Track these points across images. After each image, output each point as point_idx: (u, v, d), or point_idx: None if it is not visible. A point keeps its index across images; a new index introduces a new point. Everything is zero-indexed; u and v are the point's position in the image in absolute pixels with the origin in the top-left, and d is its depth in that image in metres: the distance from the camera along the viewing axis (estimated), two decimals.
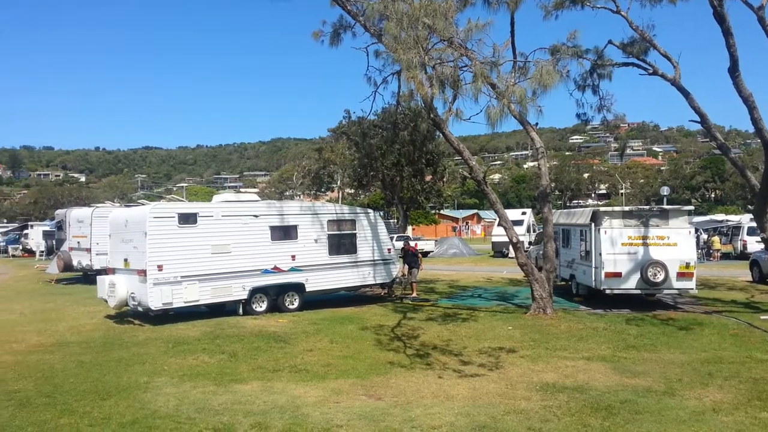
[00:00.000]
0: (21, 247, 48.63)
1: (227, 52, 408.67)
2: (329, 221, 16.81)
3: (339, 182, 63.64)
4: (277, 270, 15.49)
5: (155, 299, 13.43)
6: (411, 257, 18.77)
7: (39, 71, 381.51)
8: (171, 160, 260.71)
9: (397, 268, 18.75)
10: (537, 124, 15.35)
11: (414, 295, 18.15)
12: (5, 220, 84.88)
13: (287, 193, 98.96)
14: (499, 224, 29.99)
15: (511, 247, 18.56)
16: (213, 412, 7.69)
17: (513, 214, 33.25)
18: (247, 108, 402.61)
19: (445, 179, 40.46)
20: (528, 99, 12.07)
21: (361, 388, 8.92)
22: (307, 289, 16.08)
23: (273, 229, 15.56)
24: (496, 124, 11.84)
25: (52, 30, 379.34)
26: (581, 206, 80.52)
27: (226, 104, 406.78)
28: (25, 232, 50.35)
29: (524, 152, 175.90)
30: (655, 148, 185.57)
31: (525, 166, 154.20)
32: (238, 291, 14.78)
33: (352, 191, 55.16)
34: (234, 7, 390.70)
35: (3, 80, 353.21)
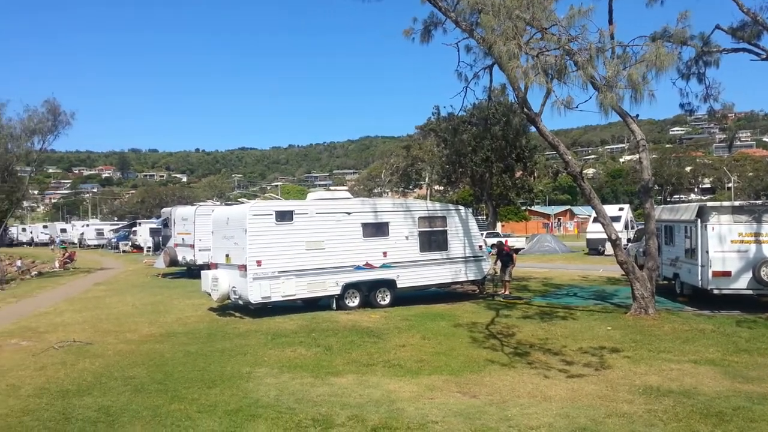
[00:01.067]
0: (130, 244, 51.81)
1: (316, 53, 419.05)
2: (420, 218, 16.84)
3: (427, 179, 63.56)
4: (368, 266, 15.70)
5: (255, 293, 13.99)
6: (505, 256, 18.44)
7: (145, 76, 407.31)
8: (265, 160, 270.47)
9: (489, 265, 18.50)
10: (638, 115, 14.67)
11: (506, 292, 17.85)
12: (116, 218, 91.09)
13: (375, 191, 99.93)
14: (595, 220, 28.97)
15: (608, 244, 17.86)
16: (311, 403, 7.91)
17: (610, 210, 31.80)
18: (336, 108, 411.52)
19: (536, 175, 39.50)
20: (640, 83, 11.48)
21: (455, 385, 8.88)
22: (399, 286, 16.20)
23: (365, 226, 15.78)
24: (609, 113, 11.40)
25: (158, 33, 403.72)
26: (683, 201, 76.20)
27: (316, 105, 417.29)
28: (134, 229, 53.68)
29: (620, 145, 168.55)
30: (766, 138, 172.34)
31: (621, 159, 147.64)
32: (331, 286, 15.11)
33: (441, 188, 54.87)
34: (326, 7, 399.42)
35: (114, 88, 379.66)
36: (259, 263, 14.03)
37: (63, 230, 70.81)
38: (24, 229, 76.71)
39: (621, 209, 37.94)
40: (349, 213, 15.61)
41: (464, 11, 13.08)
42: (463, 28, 13.83)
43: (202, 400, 8.05)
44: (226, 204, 26.83)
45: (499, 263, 18.57)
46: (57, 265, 35.92)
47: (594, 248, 36.14)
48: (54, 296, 20.94)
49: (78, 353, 10.95)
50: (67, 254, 37.27)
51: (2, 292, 24.64)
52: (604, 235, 17.62)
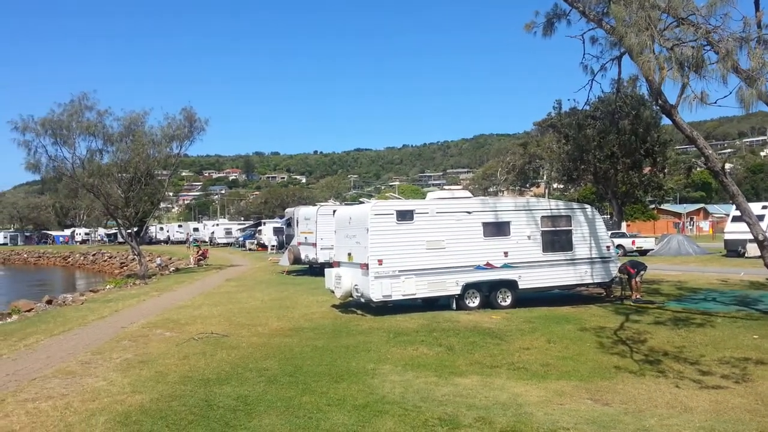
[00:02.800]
0: (256, 242, 54.66)
1: (429, 53, 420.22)
2: (543, 217, 16.33)
3: (545, 177, 61.78)
4: (489, 266, 15.47)
5: (376, 291, 14.23)
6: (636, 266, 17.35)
7: (268, 81, 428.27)
8: (380, 161, 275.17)
9: (617, 267, 17.57)
10: None
11: (637, 296, 16.86)
12: (242, 218, 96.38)
13: (491, 190, 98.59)
14: (735, 219, 26.71)
15: (749, 246, 16.37)
16: (437, 403, 7.90)
17: (753, 208, 29.25)
18: (450, 106, 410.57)
19: (666, 171, 37.09)
20: None
21: (585, 391, 8.52)
22: (520, 287, 15.81)
23: (485, 225, 15.56)
24: (750, 107, 10.45)
25: (281, 39, 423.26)
26: None
27: (430, 104, 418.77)
28: (259, 228, 56.58)
29: (761, 138, 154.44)
30: None
31: (762, 153, 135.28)
32: (451, 286, 15.04)
33: (560, 186, 53.10)
34: (442, 7, 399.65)
35: (239, 94, 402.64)
36: (380, 262, 14.26)
37: (195, 229, 76.09)
38: (161, 228, 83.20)
39: (765, 207, 34.71)
40: (469, 212, 15.47)
41: (591, 1, 12.52)
42: (590, 19, 13.26)
43: (331, 394, 8.29)
44: (346, 204, 27.59)
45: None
46: (192, 261, 38.68)
47: (733, 250, 33.29)
48: (191, 291, 22.53)
49: (216, 344, 11.69)
50: (200, 252, 40.01)
51: (146, 285, 26.90)
52: (744, 236, 16.21)
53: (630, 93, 29.05)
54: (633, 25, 10.46)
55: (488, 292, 15.56)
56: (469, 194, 17.20)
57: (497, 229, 15.71)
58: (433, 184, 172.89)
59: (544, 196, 55.33)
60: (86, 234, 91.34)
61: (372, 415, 7.37)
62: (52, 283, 48.06)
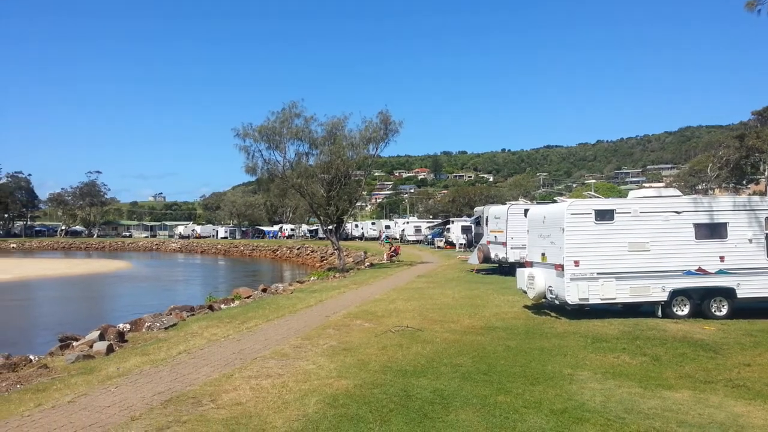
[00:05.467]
0: (444, 240, 55.60)
1: (626, 45, 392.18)
2: None
3: (766, 173, 54.55)
4: (701, 272, 14.07)
5: (572, 294, 13.69)
6: None
7: (449, 79, 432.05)
8: (571, 158, 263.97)
9: None
10: None
11: None
12: (431, 216, 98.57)
13: (699, 187, 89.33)
14: None
15: None
16: (642, 415, 7.40)
17: None
18: (651, 97, 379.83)
19: None
20: None
21: None
22: (739, 295, 14.14)
23: (697, 226, 14.18)
24: None
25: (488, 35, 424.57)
26: None
27: (628, 96, 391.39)
28: (447, 227, 57.45)
29: None
30: None
31: None
32: (656, 292, 13.94)
33: None
34: None
35: (428, 95, 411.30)
36: (576, 263, 13.70)
37: (387, 227, 79.50)
38: (356, 225, 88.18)
39: None
40: (678, 212, 14.21)
41: None
42: None
43: (527, 396, 8.17)
44: (536, 203, 26.91)
45: None
46: (385, 257, 40.48)
47: None
48: (385, 285, 23.60)
49: (411, 338, 12.13)
50: (393, 248, 41.75)
51: (344, 279, 28.72)
52: None
53: None
54: None
55: (700, 300, 14.16)
56: (677, 192, 15.79)
57: (712, 231, 14.22)
58: (631, 182, 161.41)
59: (765, 194, 48.80)
60: (292, 230, 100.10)
61: (571, 422, 7.13)
62: (263, 273, 53.50)
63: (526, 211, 19.12)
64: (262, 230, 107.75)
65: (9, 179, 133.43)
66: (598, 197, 16.38)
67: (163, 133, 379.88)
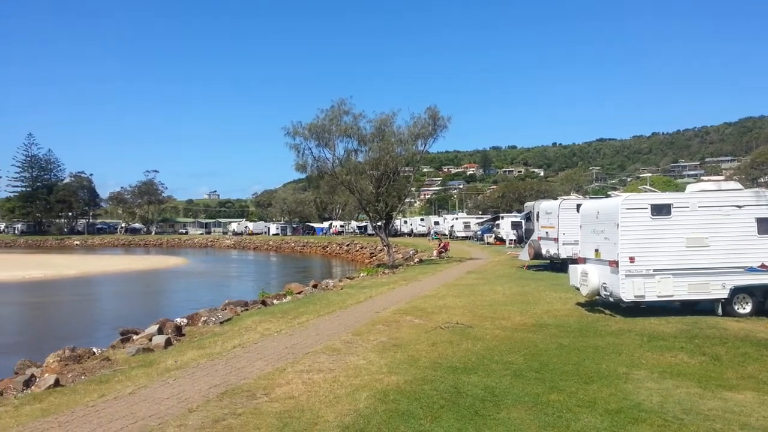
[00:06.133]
0: (494, 236, 55.06)
1: (680, 37, 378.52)
2: None
3: None
4: (765, 268, 13.48)
5: (627, 291, 13.35)
6: None
7: (499, 71, 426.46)
8: (624, 151, 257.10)
9: None
10: None
11: None
12: (480, 212, 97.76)
13: (761, 180, 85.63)
14: None
15: None
16: (702, 417, 7.17)
17: None
18: (709, 88, 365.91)
19: None
20: None
21: None
22: None
23: (760, 221, 13.57)
24: None
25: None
26: None
27: (686, 87, 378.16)
28: (497, 222, 56.87)
29: None
30: None
31: None
32: (716, 289, 13.44)
33: None
34: None
35: (475, 90, 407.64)
36: (631, 260, 13.34)
37: (436, 223, 79.26)
38: (405, 222, 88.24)
39: None
40: (739, 206, 13.65)
41: None
42: None
43: (580, 395, 8.03)
44: (589, 198, 26.35)
45: None
46: (434, 254, 40.39)
47: None
48: (434, 281, 23.56)
49: (461, 334, 12.08)
50: (442, 244, 41.61)
51: (394, 275, 28.81)
52: None
53: None
54: None
55: (763, 298, 13.59)
56: (739, 185, 15.18)
57: None
58: (689, 175, 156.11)
59: None
60: (341, 226, 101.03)
61: (627, 422, 6.97)
62: (313, 269, 54.18)
63: (578, 206, 18.73)
64: (313, 227, 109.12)
65: (72, 179, 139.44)
66: (654, 191, 15.87)
67: (216, 132, 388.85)
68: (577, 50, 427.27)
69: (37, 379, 10.03)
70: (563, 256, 24.08)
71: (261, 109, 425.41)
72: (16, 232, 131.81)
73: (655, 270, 13.32)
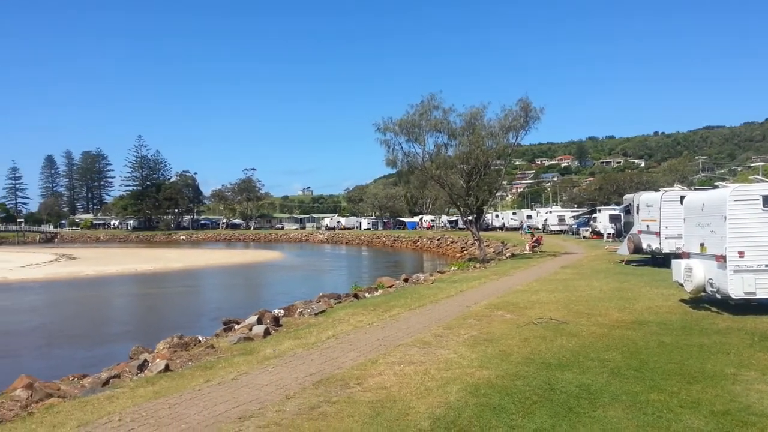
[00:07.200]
0: (590, 230, 53.16)
1: None
2: None
3: None
4: None
5: (736, 287, 12.52)
6: None
7: (597, 64, 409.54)
8: (735, 138, 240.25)
9: None
10: None
11: None
12: (575, 205, 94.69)
13: None
14: None
15: None
16: None
17: None
18: None
19: None
20: None
21: None
22: None
23: None
24: None
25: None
26: None
27: None
28: (594, 216, 54.85)
29: None
30: None
31: None
32: None
33: None
34: None
35: (570, 80, 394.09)
36: (741, 254, 12.49)
37: (529, 217, 77.68)
38: (497, 216, 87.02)
39: None
40: None
41: None
42: None
43: (683, 395, 7.66)
44: (695, 189, 24.90)
45: None
46: (527, 248, 39.60)
47: None
48: (527, 276, 23.12)
49: (555, 330, 11.82)
50: (534, 239, 40.71)
51: (485, 269, 28.55)
52: None
53: None
54: None
55: None
56: None
57: None
58: None
59: None
60: (431, 221, 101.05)
61: (734, 425, 6.59)
62: (404, 263, 54.61)
63: (682, 198, 17.75)
64: (403, 221, 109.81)
65: (178, 177, 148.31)
66: (767, 181, 14.76)
67: (309, 130, 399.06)
68: (681, 32, 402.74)
69: (150, 364, 10.82)
70: (665, 250, 22.93)
71: (352, 106, 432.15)
72: (129, 228, 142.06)
73: (767, 265, 12.42)
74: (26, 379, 10.29)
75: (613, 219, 45.15)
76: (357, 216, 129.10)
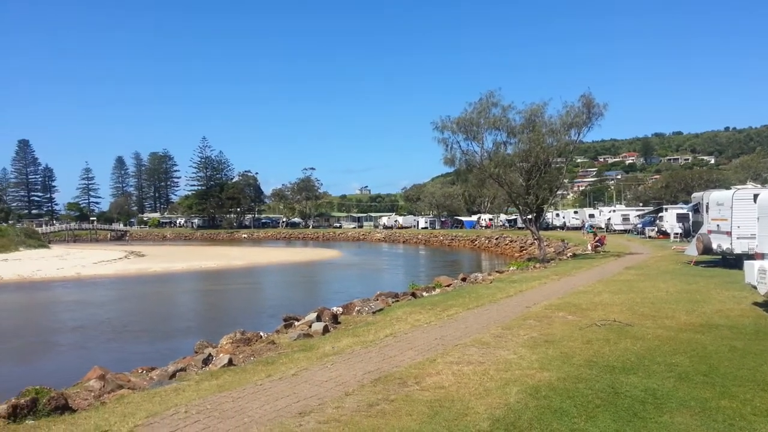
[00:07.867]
0: (656, 229, 51.37)
1: None
2: None
3: None
4: None
5: None
6: None
7: (660, 58, 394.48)
8: None
9: None
10: None
11: None
12: (640, 204, 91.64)
13: None
14: None
15: None
16: None
17: None
18: None
19: None
20: None
21: None
22: None
23: None
24: None
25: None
26: None
27: None
28: (660, 215, 52.97)
29: None
30: None
31: None
32: None
33: None
34: None
35: (635, 74, 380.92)
36: None
37: (591, 215, 75.66)
38: (557, 215, 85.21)
39: None
40: None
41: None
42: None
43: (757, 402, 7.30)
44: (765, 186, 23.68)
45: None
46: (589, 248, 38.62)
47: None
48: (589, 277, 22.54)
49: (619, 332, 11.48)
50: (597, 238, 39.63)
51: (545, 269, 28.01)
52: None
53: None
54: None
55: None
56: None
57: None
58: None
59: None
60: (490, 219, 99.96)
61: None
62: (462, 262, 54.26)
63: (755, 196, 16.91)
64: (461, 220, 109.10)
65: (240, 177, 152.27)
66: None
67: (366, 129, 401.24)
68: (756, 27, 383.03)
69: (214, 358, 11.15)
70: (737, 251, 21.90)
71: (409, 104, 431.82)
72: (194, 226, 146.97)
73: None
74: (99, 370, 10.78)
75: (681, 218, 43.56)
76: (414, 215, 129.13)
